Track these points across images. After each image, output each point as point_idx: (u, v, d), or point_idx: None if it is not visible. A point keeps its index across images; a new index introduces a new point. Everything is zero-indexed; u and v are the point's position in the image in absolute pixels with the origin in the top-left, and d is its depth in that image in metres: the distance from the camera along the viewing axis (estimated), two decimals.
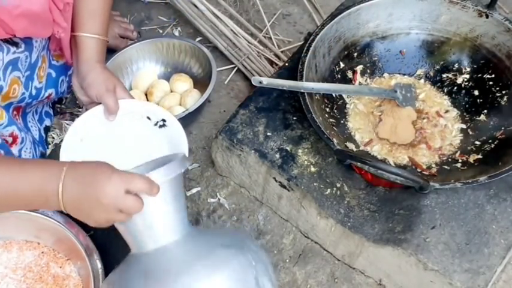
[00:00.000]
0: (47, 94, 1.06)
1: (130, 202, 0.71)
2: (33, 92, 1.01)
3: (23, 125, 1.02)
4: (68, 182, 0.70)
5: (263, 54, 1.30)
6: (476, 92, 1.04)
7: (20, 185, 0.70)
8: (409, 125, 1.01)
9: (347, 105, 1.06)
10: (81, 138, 0.92)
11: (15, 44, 0.89)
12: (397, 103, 1.02)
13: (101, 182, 0.70)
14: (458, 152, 0.98)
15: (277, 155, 0.97)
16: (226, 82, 1.29)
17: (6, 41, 0.86)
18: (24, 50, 0.92)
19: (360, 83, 1.08)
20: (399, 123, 1.01)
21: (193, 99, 1.17)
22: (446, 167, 0.96)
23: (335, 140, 0.89)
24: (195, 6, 1.34)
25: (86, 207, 0.72)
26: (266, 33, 1.36)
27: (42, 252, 0.97)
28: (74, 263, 0.96)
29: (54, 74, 1.07)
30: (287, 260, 1.01)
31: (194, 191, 1.10)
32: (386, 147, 1.00)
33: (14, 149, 0.94)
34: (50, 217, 0.94)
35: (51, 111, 1.18)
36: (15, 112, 1.00)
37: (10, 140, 0.91)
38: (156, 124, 0.96)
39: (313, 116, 0.91)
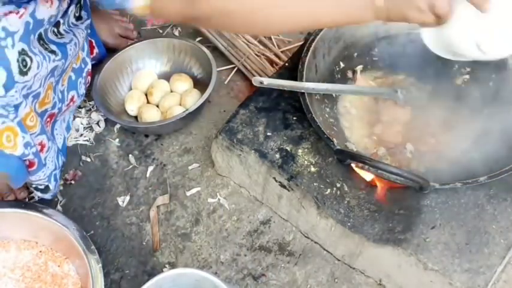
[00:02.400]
0: (70, 96, 1.06)
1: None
2: (60, 95, 1.02)
3: (50, 134, 1.02)
4: None
5: (263, 54, 1.30)
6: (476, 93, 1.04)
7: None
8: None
9: (339, 108, 1.04)
10: None
11: (53, 52, 0.90)
12: (397, 103, 1.02)
13: None
14: None
15: (277, 155, 0.97)
16: (226, 82, 1.29)
17: (45, 48, 0.88)
18: (61, 58, 0.93)
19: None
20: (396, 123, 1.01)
21: (193, 99, 1.17)
22: None
23: (335, 140, 0.89)
24: None
25: None
26: None
27: (40, 251, 0.97)
28: (72, 262, 0.96)
29: (73, 77, 1.07)
30: (287, 260, 1.01)
31: (194, 191, 1.10)
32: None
33: (41, 157, 0.94)
34: (48, 216, 0.94)
35: None
36: (48, 119, 1.00)
37: (38, 148, 0.92)
38: None
39: (313, 116, 0.91)
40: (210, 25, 0.84)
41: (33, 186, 0.98)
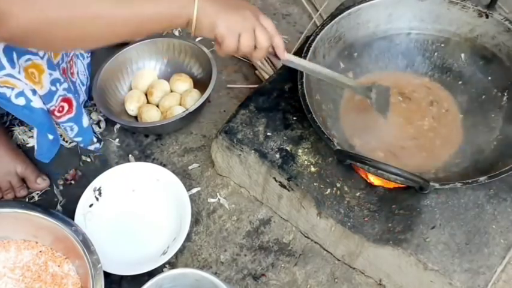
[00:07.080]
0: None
1: (264, 31, 0.77)
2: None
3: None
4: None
5: None
6: (476, 93, 1.04)
7: (151, 13, 0.73)
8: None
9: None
10: None
11: None
12: (369, 103, 0.96)
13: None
14: None
15: (277, 155, 0.97)
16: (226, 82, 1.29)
17: None
18: None
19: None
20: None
21: (193, 99, 1.17)
22: None
23: (335, 140, 0.89)
24: None
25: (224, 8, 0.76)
26: None
27: (40, 251, 0.97)
28: (72, 262, 0.96)
29: None
30: (287, 260, 1.01)
31: (194, 191, 1.10)
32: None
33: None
34: (48, 216, 0.94)
35: None
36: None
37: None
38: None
39: (313, 116, 0.91)
40: (27, 45, 0.83)
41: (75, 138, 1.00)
